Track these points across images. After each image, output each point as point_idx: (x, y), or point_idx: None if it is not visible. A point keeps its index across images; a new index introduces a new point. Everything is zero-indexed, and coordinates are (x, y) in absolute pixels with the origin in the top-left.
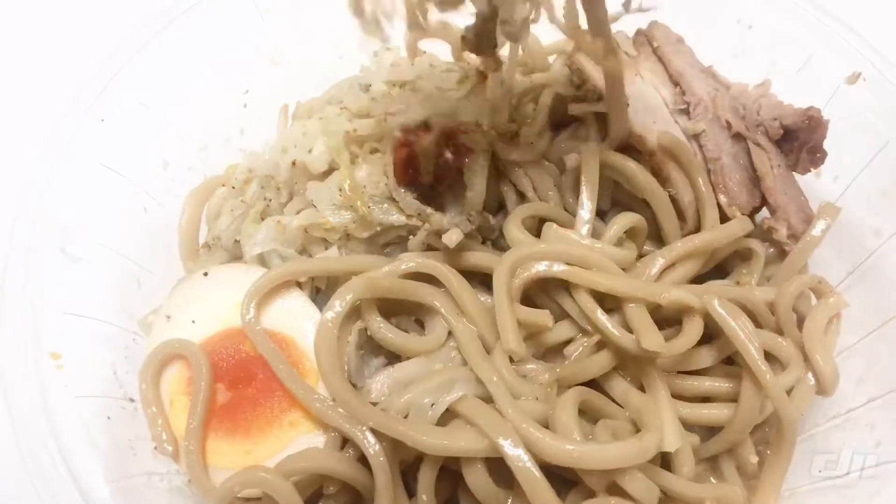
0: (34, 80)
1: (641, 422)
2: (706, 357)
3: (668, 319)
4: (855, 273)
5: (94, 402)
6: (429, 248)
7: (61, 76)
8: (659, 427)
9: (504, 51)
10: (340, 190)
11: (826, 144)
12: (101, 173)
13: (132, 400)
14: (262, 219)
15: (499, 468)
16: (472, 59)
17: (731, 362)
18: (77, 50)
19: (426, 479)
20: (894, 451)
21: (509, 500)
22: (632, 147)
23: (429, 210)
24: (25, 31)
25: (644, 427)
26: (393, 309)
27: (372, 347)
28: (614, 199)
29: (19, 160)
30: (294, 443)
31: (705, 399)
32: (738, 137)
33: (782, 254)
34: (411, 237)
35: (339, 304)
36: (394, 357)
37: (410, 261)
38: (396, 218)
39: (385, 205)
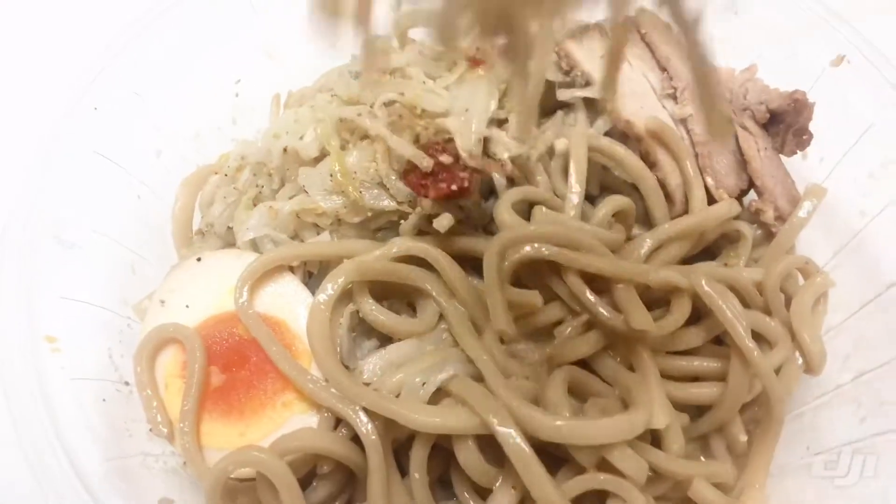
0: (28, 70)
1: (630, 399)
2: (695, 337)
3: (657, 301)
4: (841, 253)
5: (89, 384)
6: (420, 232)
7: (56, 66)
8: (648, 403)
9: None
10: (331, 175)
11: (812, 127)
12: (95, 161)
13: (127, 383)
14: (255, 205)
15: (490, 446)
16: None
17: (720, 342)
18: (71, 40)
19: (418, 457)
20: (879, 425)
21: (500, 478)
22: (621, 132)
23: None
24: (19, 22)
25: (633, 404)
26: (385, 292)
27: (364, 330)
28: (603, 183)
29: (13, 150)
30: (288, 423)
31: (694, 379)
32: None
33: (770, 235)
34: (402, 222)
35: (330, 286)
36: (386, 339)
37: (402, 244)
38: (387, 203)
39: (376, 190)
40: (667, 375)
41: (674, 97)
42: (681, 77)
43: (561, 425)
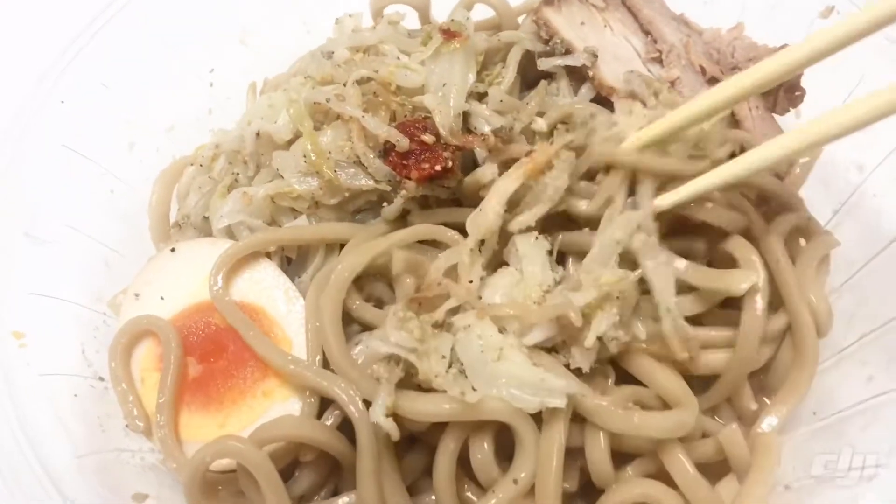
0: None
1: (669, 398)
2: None
3: None
4: (841, 211)
5: (60, 380)
6: (403, 213)
7: (19, 60)
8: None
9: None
10: (305, 156)
11: (803, 82)
12: (65, 156)
13: (102, 379)
14: (230, 192)
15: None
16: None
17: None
18: (36, 32)
19: (448, 449)
20: (885, 384)
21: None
22: (606, 99)
23: (398, 177)
24: None
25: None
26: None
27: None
28: None
29: None
30: (268, 412)
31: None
32: (713, 82)
33: None
34: (385, 204)
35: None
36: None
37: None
38: (365, 182)
39: (352, 170)
40: None
41: (659, 60)
42: (665, 39)
43: (634, 415)
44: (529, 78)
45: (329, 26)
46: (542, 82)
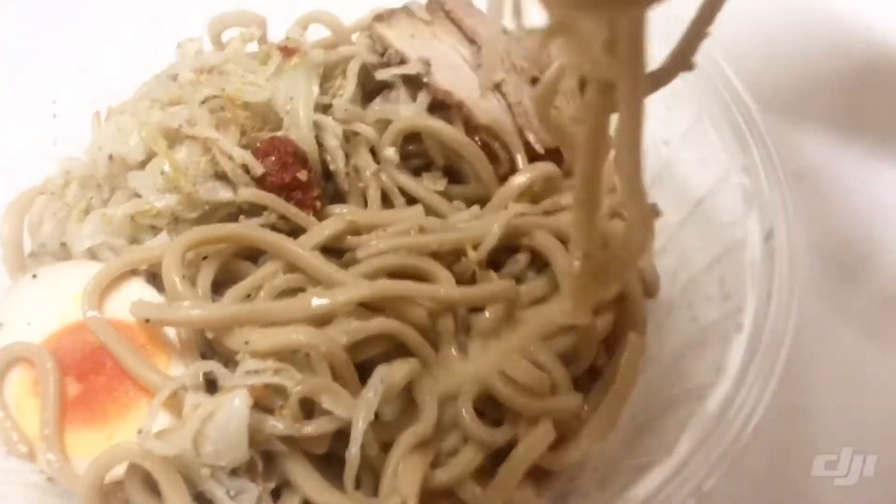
0: None
1: None
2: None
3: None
4: (656, 183)
5: None
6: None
7: None
8: None
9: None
10: (162, 173)
11: None
12: None
13: None
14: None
15: None
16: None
17: None
18: None
19: None
20: (706, 319)
21: None
22: (441, 103)
23: None
24: None
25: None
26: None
27: None
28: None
29: None
30: None
31: None
32: (535, 81)
33: None
34: (242, 217)
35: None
36: None
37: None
38: (223, 195)
39: (210, 183)
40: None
41: None
42: None
43: None
44: (368, 89)
45: (170, 52)
46: (383, 93)
